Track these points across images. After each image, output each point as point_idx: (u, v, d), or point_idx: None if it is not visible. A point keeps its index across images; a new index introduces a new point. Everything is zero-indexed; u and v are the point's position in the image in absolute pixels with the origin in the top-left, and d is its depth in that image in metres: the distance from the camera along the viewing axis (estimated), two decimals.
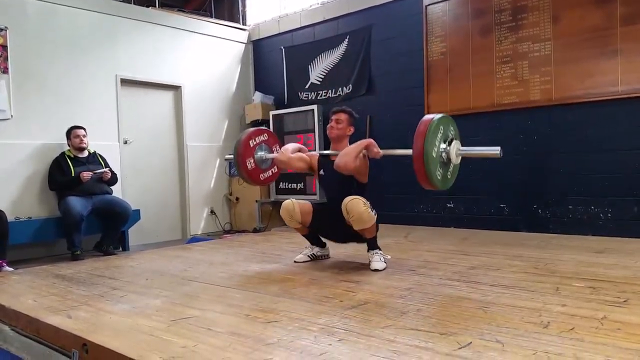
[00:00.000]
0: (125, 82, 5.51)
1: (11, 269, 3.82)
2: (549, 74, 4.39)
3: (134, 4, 6.10)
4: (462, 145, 2.76)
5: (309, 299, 2.36)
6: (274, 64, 6.55)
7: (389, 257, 3.12)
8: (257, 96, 6.44)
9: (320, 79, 6.05)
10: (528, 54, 4.50)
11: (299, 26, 6.27)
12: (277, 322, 2.00)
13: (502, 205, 4.71)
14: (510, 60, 4.61)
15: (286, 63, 6.39)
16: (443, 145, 2.67)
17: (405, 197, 5.29)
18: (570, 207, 4.33)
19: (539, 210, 4.50)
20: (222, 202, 6.47)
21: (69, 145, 4.79)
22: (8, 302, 2.46)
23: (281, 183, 6.07)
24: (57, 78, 4.97)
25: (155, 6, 6.26)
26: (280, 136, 6.02)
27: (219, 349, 1.72)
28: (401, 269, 2.97)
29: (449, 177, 2.80)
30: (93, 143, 4.91)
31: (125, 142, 5.51)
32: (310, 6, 6.22)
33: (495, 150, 2.65)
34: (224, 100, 6.53)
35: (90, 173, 4.62)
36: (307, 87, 6.17)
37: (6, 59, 4.63)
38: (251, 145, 3.38)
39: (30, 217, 4.63)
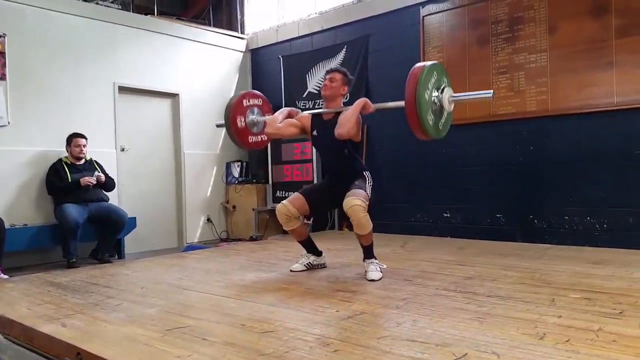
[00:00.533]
0: (123, 89, 5.52)
1: (6, 277, 3.80)
2: (545, 85, 4.42)
3: (133, 11, 6.13)
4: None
5: (305, 309, 2.35)
6: (271, 73, 6.57)
7: (385, 266, 3.11)
8: None
9: (318, 88, 6.06)
10: (524, 64, 4.53)
11: (297, 35, 6.30)
12: (272, 332, 1.99)
13: (498, 216, 4.72)
14: (507, 71, 4.64)
15: (284, 72, 6.42)
16: (435, 93, 2.68)
17: (403, 207, 5.30)
18: (566, 217, 4.34)
19: (535, 221, 4.51)
20: (218, 210, 6.46)
21: (67, 152, 4.79)
22: (2, 310, 2.44)
23: (278, 191, 6.07)
24: (55, 85, 4.98)
25: (154, 14, 6.29)
26: (278, 145, 6.03)
27: (213, 359, 1.71)
28: (397, 278, 2.97)
29: (440, 127, 2.80)
30: (90, 150, 4.90)
31: (122, 150, 5.51)
32: (309, 16, 6.25)
33: (487, 94, 2.67)
34: (222, 109, 6.42)
35: (93, 179, 4.64)
36: (304, 95, 6.19)
37: (4, 65, 4.63)
38: (244, 104, 3.36)
39: (26, 224, 4.61)
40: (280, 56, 6.45)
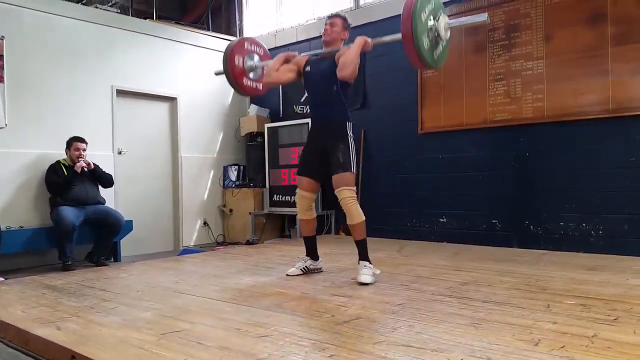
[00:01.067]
0: (121, 92, 5.52)
1: (1, 279, 3.78)
2: (542, 92, 4.44)
3: (131, 15, 6.14)
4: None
5: (301, 314, 2.36)
6: None
7: (379, 272, 3.09)
8: (253, 109, 6.47)
9: None
10: (521, 71, 4.56)
11: (295, 40, 6.31)
12: (268, 337, 1.99)
13: (494, 221, 4.73)
14: (503, 77, 4.66)
15: None
16: (431, 22, 2.70)
17: (399, 212, 5.31)
18: (561, 223, 4.36)
19: (531, 227, 4.52)
20: (215, 214, 6.45)
21: (66, 154, 4.79)
22: None
23: (275, 195, 6.07)
24: (53, 88, 4.98)
25: (153, 18, 6.30)
26: (275, 149, 6.04)
27: None
28: (393, 283, 2.97)
29: (435, 57, 2.82)
30: (87, 153, 4.89)
31: (120, 153, 5.51)
32: (307, 21, 6.28)
33: (482, 17, 2.69)
34: (219, 113, 6.55)
35: (85, 163, 4.68)
36: (302, 100, 6.20)
37: (2, 68, 4.63)
38: (245, 47, 3.34)
39: (22, 226, 4.60)
40: None
